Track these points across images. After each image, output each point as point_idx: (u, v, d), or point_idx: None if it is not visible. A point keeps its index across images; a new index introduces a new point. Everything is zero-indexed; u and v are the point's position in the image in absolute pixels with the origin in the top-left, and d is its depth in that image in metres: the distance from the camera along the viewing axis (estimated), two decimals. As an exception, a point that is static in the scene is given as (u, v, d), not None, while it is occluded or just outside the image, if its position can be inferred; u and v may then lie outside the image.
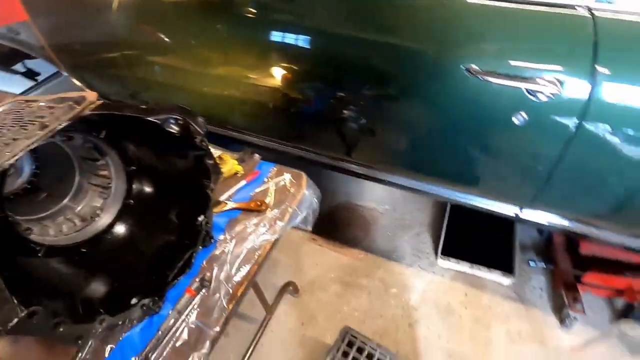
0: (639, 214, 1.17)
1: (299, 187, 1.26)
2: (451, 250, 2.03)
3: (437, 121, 1.27)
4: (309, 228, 1.42)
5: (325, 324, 1.90)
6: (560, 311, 1.78)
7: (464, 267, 1.98)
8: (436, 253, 2.08)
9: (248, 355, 1.72)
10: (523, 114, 1.05)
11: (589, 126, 1.02)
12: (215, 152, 1.33)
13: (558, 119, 1.05)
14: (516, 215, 1.36)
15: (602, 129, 1.02)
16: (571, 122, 1.04)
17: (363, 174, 1.69)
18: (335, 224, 2.40)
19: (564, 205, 1.27)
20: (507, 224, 2.09)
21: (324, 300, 2.00)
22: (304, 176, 1.30)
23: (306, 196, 1.24)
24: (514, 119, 1.07)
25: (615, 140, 1.02)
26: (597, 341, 1.72)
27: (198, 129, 1.01)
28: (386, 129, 1.40)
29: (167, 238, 1.11)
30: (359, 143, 1.53)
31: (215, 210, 1.23)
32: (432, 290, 1.98)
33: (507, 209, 1.37)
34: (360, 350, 1.47)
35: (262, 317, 1.83)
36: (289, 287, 1.95)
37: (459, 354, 1.75)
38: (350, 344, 1.49)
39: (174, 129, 0.98)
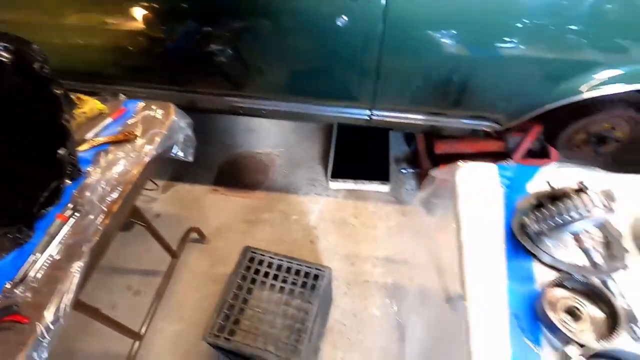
0: (465, 97, 1.48)
1: (168, 115, 1.32)
2: (339, 172, 2.29)
3: (284, 39, 1.42)
4: (190, 159, 1.49)
5: (234, 259, 2.02)
6: (425, 202, 2.17)
7: (350, 184, 2.25)
8: (327, 178, 2.32)
9: (160, 300, 1.77)
10: (344, 17, 1.26)
11: (393, 25, 1.27)
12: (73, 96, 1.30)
13: (369, 19, 1.27)
14: (369, 117, 1.62)
15: (402, 28, 1.27)
16: (379, 21, 1.27)
17: (245, 107, 1.78)
18: (236, 173, 2.50)
19: (400, 101, 1.55)
20: (382, 142, 2.42)
21: (231, 239, 2.12)
22: (172, 105, 1.35)
23: (175, 122, 1.31)
24: (337, 22, 1.26)
25: (416, 37, 1.29)
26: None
27: (35, 55, 1.00)
28: (250, 54, 1.51)
29: (24, 171, 1.08)
30: (231, 74, 1.61)
31: (82, 147, 1.23)
32: (327, 210, 2.23)
33: (360, 114, 1.61)
34: (261, 263, 1.62)
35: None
36: (193, 233, 2.01)
37: (354, 255, 2.03)
38: (251, 260, 1.63)
39: (4, 56, 0.96)
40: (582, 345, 0.67)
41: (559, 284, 0.77)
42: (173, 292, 1.93)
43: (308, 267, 1.59)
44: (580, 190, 0.77)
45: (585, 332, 0.72)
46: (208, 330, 1.43)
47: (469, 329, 0.78)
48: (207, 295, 1.88)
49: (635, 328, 0.72)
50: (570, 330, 0.71)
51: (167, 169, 2.49)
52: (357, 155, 2.37)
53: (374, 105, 1.57)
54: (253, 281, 1.59)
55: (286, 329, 1.45)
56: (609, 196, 0.75)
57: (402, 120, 1.63)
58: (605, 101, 1.56)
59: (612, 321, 0.71)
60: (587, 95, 1.34)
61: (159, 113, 1.32)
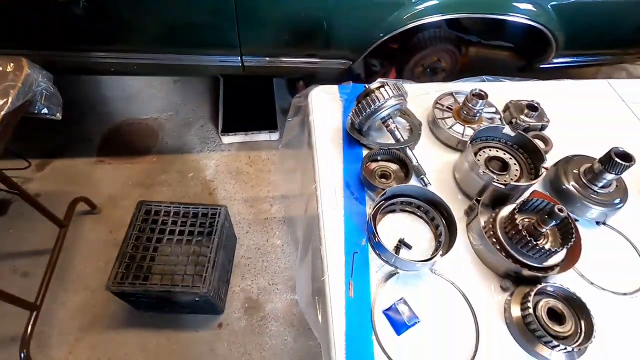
0: (318, 38, 1.69)
1: (20, 68, 1.26)
2: (229, 127, 2.39)
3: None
4: (59, 116, 1.45)
5: (134, 222, 2.03)
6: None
7: (241, 137, 2.38)
8: (219, 134, 2.41)
9: (53, 271, 1.72)
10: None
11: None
12: None
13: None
14: (242, 64, 1.75)
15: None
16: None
17: (114, 64, 1.74)
18: (122, 142, 2.42)
19: (264, 45, 1.70)
20: (267, 93, 2.57)
21: (128, 206, 2.10)
22: (24, 59, 1.29)
23: (30, 74, 1.26)
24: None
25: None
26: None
27: None
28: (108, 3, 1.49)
29: None
30: (88, 27, 1.56)
31: None
32: (223, 164, 2.34)
33: (232, 60, 1.73)
34: (157, 213, 1.69)
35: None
36: (80, 202, 1.95)
37: (252, 199, 2.21)
38: (148, 212, 1.69)
39: None
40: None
41: (374, 158, 1.05)
42: (71, 264, 1.88)
43: (204, 208, 1.71)
44: (382, 86, 1.04)
45: (392, 184, 1.01)
46: (111, 280, 1.48)
47: (319, 201, 1.02)
48: (110, 259, 1.85)
49: (425, 178, 1.04)
50: (381, 185, 0.99)
51: (40, 145, 2.29)
52: (245, 109, 2.49)
53: (243, 51, 1.69)
54: (152, 230, 1.66)
55: (191, 265, 1.57)
56: (397, 87, 1.03)
57: (274, 65, 1.80)
58: (430, 38, 1.94)
59: (408, 174, 1.02)
60: (411, 25, 1.66)
61: (10, 66, 1.26)
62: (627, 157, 0.90)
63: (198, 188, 2.22)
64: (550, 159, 1.07)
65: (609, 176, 0.94)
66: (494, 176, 0.98)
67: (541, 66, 1.94)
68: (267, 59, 1.73)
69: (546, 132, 1.20)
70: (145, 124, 2.51)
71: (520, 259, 0.87)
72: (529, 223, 0.88)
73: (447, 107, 1.20)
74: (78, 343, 1.67)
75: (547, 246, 0.86)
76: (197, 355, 1.67)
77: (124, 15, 1.53)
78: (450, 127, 1.15)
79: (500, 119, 1.18)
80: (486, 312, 0.85)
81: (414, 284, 0.89)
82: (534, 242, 0.84)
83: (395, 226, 0.98)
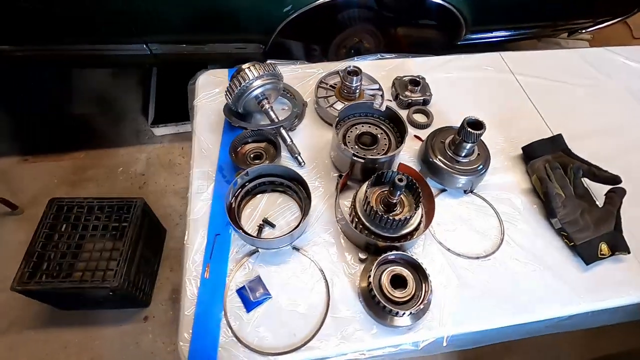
0: (223, 22, 1.65)
1: None
2: (160, 119, 2.34)
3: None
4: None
5: (58, 220, 1.98)
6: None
7: (172, 128, 2.34)
8: (149, 126, 2.35)
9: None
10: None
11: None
12: None
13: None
14: (150, 52, 1.70)
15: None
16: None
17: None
18: (50, 139, 2.34)
19: (167, 32, 1.66)
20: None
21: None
22: None
23: None
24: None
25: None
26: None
27: None
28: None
29: None
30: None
31: None
32: (154, 156, 2.29)
33: (139, 49, 1.68)
34: (71, 209, 1.65)
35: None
36: (-4, 203, 1.88)
37: (184, 189, 2.16)
38: (60, 209, 1.65)
39: None
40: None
41: (245, 140, 1.05)
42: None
43: (119, 201, 1.68)
44: (250, 67, 1.03)
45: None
46: (16, 280, 1.44)
47: (190, 186, 1.01)
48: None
49: (299, 157, 1.04)
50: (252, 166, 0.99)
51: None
52: (176, 99, 2.43)
53: (148, 39, 1.65)
54: (65, 228, 1.62)
55: (103, 260, 1.55)
56: (266, 67, 1.03)
57: (184, 52, 1.75)
58: (349, 18, 1.93)
59: (277, 154, 1.02)
60: (319, 1, 1.64)
61: None
62: (478, 125, 0.92)
63: (127, 183, 2.17)
64: (430, 132, 1.08)
65: (468, 145, 0.96)
66: (361, 151, 0.99)
67: (458, 43, 1.95)
68: (175, 46, 1.69)
69: (430, 106, 1.22)
70: (73, 119, 2.43)
71: (376, 231, 0.89)
72: (384, 195, 0.90)
73: (331, 86, 1.20)
74: (-4, 346, 1.63)
75: (398, 217, 0.88)
76: (120, 350, 1.66)
77: (31, 6, 1.46)
78: (331, 106, 1.15)
79: (381, 95, 1.19)
80: (342, 284, 0.87)
81: (274, 262, 0.89)
82: (381, 214, 0.86)
83: (266, 206, 0.98)
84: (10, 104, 2.44)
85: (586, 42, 2.91)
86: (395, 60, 1.36)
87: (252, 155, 1.04)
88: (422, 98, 1.19)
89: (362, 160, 0.93)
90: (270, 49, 1.82)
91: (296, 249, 0.91)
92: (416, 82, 1.21)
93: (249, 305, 0.82)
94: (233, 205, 0.92)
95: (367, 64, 1.33)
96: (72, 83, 2.59)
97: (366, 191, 0.90)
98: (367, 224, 0.90)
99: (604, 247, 0.91)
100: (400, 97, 1.19)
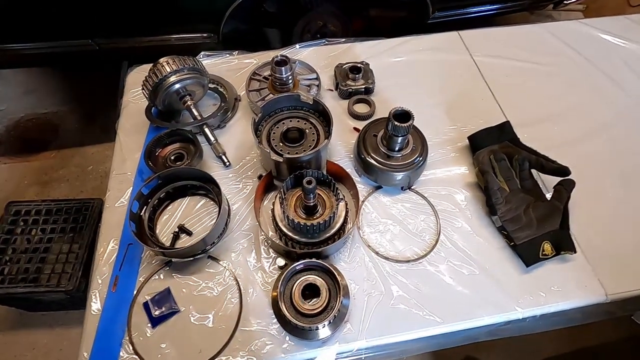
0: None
1: None
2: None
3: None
4: None
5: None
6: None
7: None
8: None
9: None
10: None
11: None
12: None
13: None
14: (98, 45, 1.64)
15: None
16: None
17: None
18: (21, 139, 2.32)
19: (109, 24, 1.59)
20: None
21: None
22: None
23: None
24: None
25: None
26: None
27: None
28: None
29: None
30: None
31: None
32: (125, 153, 2.25)
33: (84, 44, 1.61)
34: (28, 212, 1.63)
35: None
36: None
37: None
38: (17, 213, 1.63)
39: None
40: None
41: (163, 141, 0.98)
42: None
43: (77, 202, 1.65)
44: (166, 61, 0.96)
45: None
46: (-29, 286, 1.44)
47: (106, 192, 0.96)
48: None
49: (223, 157, 0.98)
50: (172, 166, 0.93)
51: None
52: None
53: (93, 33, 1.58)
54: (23, 231, 1.60)
55: (59, 263, 1.53)
56: (185, 61, 0.95)
57: (131, 45, 1.68)
58: (309, 0, 1.81)
59: (196, 155, 0.95)
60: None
61: None
62: (405, 117, 0.84)
63: (97, 181, 2.14)
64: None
65: (399, 139, 0.88)
66: (285, 149, 0.92)
67: (428, 22, 1.82)
68: (123, 39, 1.62)
69: (373, 95, 1.13)
70: (45, 119, 2.40)
71: (295, 237, 0.83)
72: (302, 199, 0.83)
73: (264, 78, 1.12)
74: (-34, 350, 1.65)
75: (316, 221, 0.81)
76: (86, 351, 1.65)
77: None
78: (263, 99, 1.07)
79: (318, 85, 1.10)
80: (257, 295, 0.81)
81: (187, 272, 0.84)
82: (296, 220, 0.79)
83: (185, 211, 0.92)
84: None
85: (579, 13, 2.72)
86: (341, 45, 1.26)
87: (172, 158, 0.97)
88: (364, 86, 1.10)
89: (281, 160, 0.86)
90: (226, 38, 1.73)
91: (212, 257, 0.86)
92: (357, 69, 1.11)
93: (154, 320, 0.77)
94: (142, 215, 0.86)
95: (311, 51, 1.24)
96: (40, 81, 2.55)
97: (283, 195, 0.84)
98: (284, 229, 0.83)
99: (546, 247, 0.83)
100: (341, 86, 1.10)
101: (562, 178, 0.89)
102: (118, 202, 0.93)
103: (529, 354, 1.64)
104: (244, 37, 1.83)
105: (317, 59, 1.20)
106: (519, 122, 1.02)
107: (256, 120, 0.91)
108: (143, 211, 0.87)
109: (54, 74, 2.60)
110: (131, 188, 0.95)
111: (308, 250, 0.82)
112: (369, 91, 1.11)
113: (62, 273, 1.49)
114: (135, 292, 0.81)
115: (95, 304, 0.80)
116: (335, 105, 1.10)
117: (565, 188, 0.87)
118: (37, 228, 1.60)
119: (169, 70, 0.93)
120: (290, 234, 0.83)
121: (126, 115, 1.10)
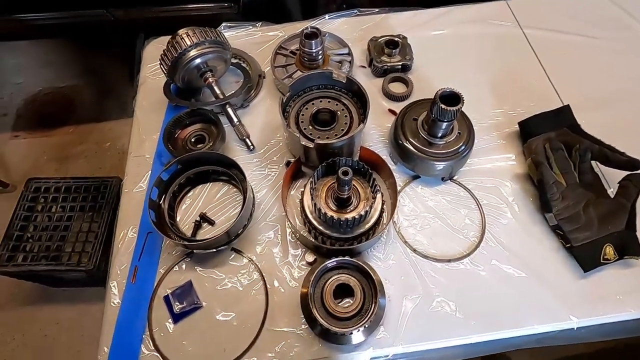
0: None
1: None
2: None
3: None
4: None
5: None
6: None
7: (158, 98, 2.21)
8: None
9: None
10: None
11: None
12: None
13: None
14: (113, 18, 1.55)
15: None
16: None
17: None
18: (38, 113, 2.29)
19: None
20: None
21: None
22: None
23: None
24: None
25: None
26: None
27: None
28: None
29: None
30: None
31: None
32: (142, 129, 2.20)
33: (98, 14, 1.53)
34: (48, 190, 1.61)
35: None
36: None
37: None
38: (37, 190, 1.61)
39: None
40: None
41: (184, 122, 0.91)
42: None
43: (94, 181, 1.62)
44: (185, 33, 0.87)
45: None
46: (-6, 263, 1.44)
47: (125, 175, 0.91)
48: (22, 238, 1.85)
49: (247, 141, 0.90)
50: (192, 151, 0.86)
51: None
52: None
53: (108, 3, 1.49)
54: (43, 209, 1.59)
55: (79, 242, 1.51)
56: (206, 33, 0.86)
57: (147, 16, 1.58)
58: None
59: (218, 137, 0.88)
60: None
61: None
62: (454, 100, 0.73)
63: (115, 159, 2.11)
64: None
65: (443, 124, 0.78)
66: (315, 132, 0.83)
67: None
68: (137, 9, 1.52)
69: (411, 73, 1.02)
70: (62, 93, 2.36)
71: (326, 231, 0.75)
72: (335, 189, 0.75)
73: (291, 52, 1.02)
74: (-10, 323, 1.69)
75: (350, 215, 0.73)
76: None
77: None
78: (290, 76, 0.97)
79: (350, 61, 1.00)
80: (283, 292, 0.76)
81: (210, 265, 0.79)
82: (329, 214, 0.71)
83: (207, 198, 0.86)
84: (1, 79, 2.39)
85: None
86: (375, 16, 1.14)
87: (192, 140, 0.90)
88: (400, 63, 0.99)
89: (311, 146, 0.78)
90: (247, 8, 1.61)
91: (236, 250, 0.80)
92: (394, 44, 1.00)
93: (175, 316, 0.73)
94: (161, 203, 0.80)
95: (341, 23, 1.13)
96: (57, 52, 2.49)
97: (314, 184, 0.76)
98: (314, 223, 0.76)
99: (608, 250, 0.74)
100: (375, 62, 1.00)
101: (630, 172, 0.78)
102: (136, 187, 0.88)
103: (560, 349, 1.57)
104: (266, 7, 1.70)
105: (348, 32, 1.08)
106: (577, 106, 0.90)
107: (284, 101, 0.83)
108: (162, 199, 0.81)
109: (70, 46, 2.53)
110: (150, 172, 0.89)
111: (340, 247, 0.75)
112: (406, 68, 1.00)
113: (82, 252, 1.48)
114: (155, 284, 0.76)
115: (115, 297, 0.75)
116: (368, 84, 1.00)
117: (634, 184, 0.76)
118: (57, 205, 1.59)
119: (189, 43, 0.84)
120: (320, 227, 0.76)
121: (143, 92, 1.03)
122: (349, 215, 0.73)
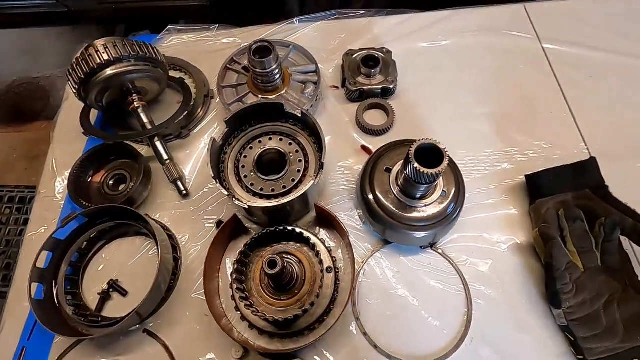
0: None
1: None
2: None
3: None
4: None
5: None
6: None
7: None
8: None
9: None
10: None
11: None
12: None
13: None
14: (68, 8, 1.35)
15: None
16: None
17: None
18: (11, 107, 2.14)
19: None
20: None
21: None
22: None
23: None
24: None
25: None
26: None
27: None
28: None
29: None
30: None
31: None
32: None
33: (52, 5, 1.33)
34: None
35: None
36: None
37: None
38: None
39: None
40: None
41: (102, 161, 0.73)
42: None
43: (20, 190, 1.50)
44: (105, 44, 0.68)
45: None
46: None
47: (31, 217, 0.74)
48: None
49: (180, 184, 0.72)
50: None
51: None
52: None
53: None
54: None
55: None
56: (130, 46, 0.67)
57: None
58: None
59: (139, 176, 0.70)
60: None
61: None
62: (434, 156, 0.53)
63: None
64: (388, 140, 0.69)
65: (422, 187, 0.58)
66: (259, 182, 0.65)
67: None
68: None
69: (393, 98, 0.81)
70: (36, 85, 2.20)
71: (259, 325, 0.58)
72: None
73: (244, 69, 0.81)
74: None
75: (288, 313, 0.55)
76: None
77: None
78: (240, 100, 0.78)
79: (316, 82, 0.79)
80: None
81: (115, 350, 0.62)
82: (255, 306, 0.54)
83: (125, 256, 0.69)
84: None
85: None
86: (357, 21, 0.92)
87: (111, 182, 0.72)
88: (380, 86, 0.78)
89: (245, 207, 0.59)
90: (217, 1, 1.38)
91: (149, 332, 0.63)
92: (374, 60, 0.79)
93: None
94: (62, 266, 0.63)
95: (314, 28, 0.91)
96: (33, 40, 2.32)
97: (239, 265, 0.58)
98: (244, 312, 0.58)
99: (636, 369, 0.55)
100: (349, 83, 0.79)
101: (673, 259, 0.58)
102: (41, 235, 0.71)
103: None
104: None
105: (322, 41, 0.88)
106: (606, 152, 0.69)
107: (217, 140, 0.64)
108: (63, 262, 0.64)
109: (46, 35, 2.36)
110: (58, 218, 0.72)
111: (274, 351, 0.57)
112: (387, 93, 0.80)
113: None
114: (44, 376, 0.61)
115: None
116: (339, 111, 0.80)
117: (678, 279, 0.56)
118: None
119: (105, 57, 0.66)
120: (251, 318, 0.58)
121: (66, 113, 0.85)
122: (287, 314, 0.55)
